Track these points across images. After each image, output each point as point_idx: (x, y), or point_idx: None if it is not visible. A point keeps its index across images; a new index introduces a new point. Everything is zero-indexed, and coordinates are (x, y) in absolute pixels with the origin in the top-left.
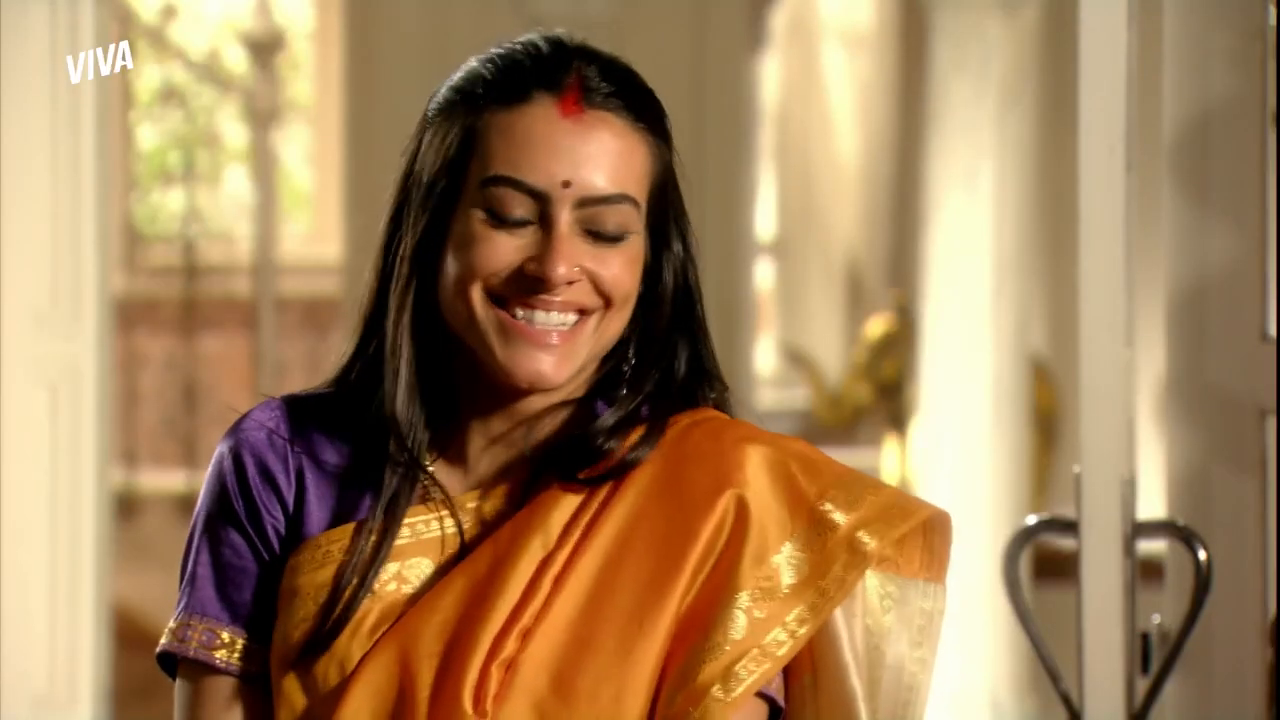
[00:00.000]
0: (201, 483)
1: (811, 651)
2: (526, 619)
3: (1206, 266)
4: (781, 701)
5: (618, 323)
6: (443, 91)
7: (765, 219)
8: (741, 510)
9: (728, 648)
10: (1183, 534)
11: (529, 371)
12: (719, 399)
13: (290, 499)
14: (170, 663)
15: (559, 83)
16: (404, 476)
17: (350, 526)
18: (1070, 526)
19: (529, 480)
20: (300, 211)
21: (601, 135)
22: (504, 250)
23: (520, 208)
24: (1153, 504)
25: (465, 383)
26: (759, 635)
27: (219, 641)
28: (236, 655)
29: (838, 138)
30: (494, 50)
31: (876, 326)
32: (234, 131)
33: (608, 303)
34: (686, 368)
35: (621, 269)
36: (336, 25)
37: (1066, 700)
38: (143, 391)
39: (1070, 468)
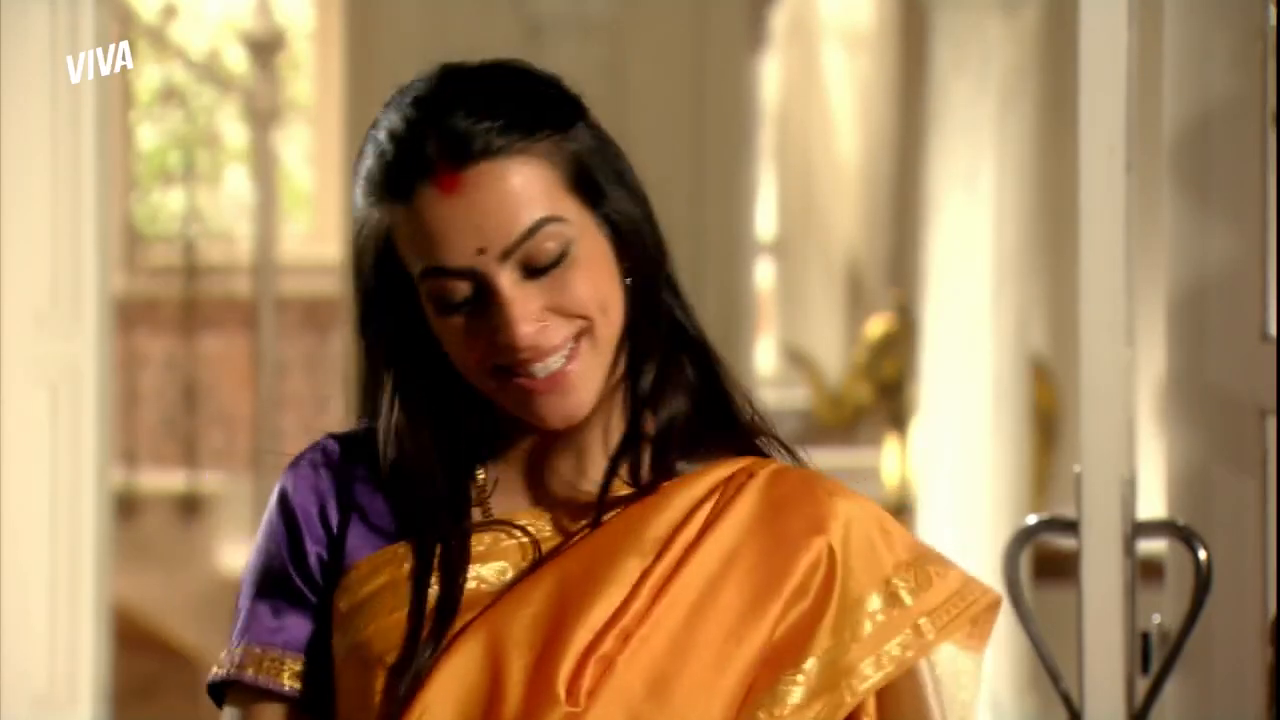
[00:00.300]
0: (201, 482)
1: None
2: (627, 620)
3: (1206, 266)
4: None
5: (611, 326)
6: (357, 181)
7: (765, 219)
8: (831, 558)
9: (804, 683)
10: (1183, 534)
11: (557, 417)
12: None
13: (337, 529)
14: (218, 692)
15: (429, 165)
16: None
17: (398, 548)
18: (1070, 526)
19: (601, 487)
20: (300, 211)
21: (487, 187)
22: (471, 342)
23: (458, 289)
24: (1153, 504)
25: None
26: (834, 680)
27: (274, 666)
28: (290, 677)
29: (838, 138)
30: (376, 134)
31: (876, 326)
32: (234, 131)
33: (589, 318)
34: (683, 338)
35: (581, 284)
36: (336, 25)
37: (1066, 700)
38: (143, 391)
39: (1070, 468)
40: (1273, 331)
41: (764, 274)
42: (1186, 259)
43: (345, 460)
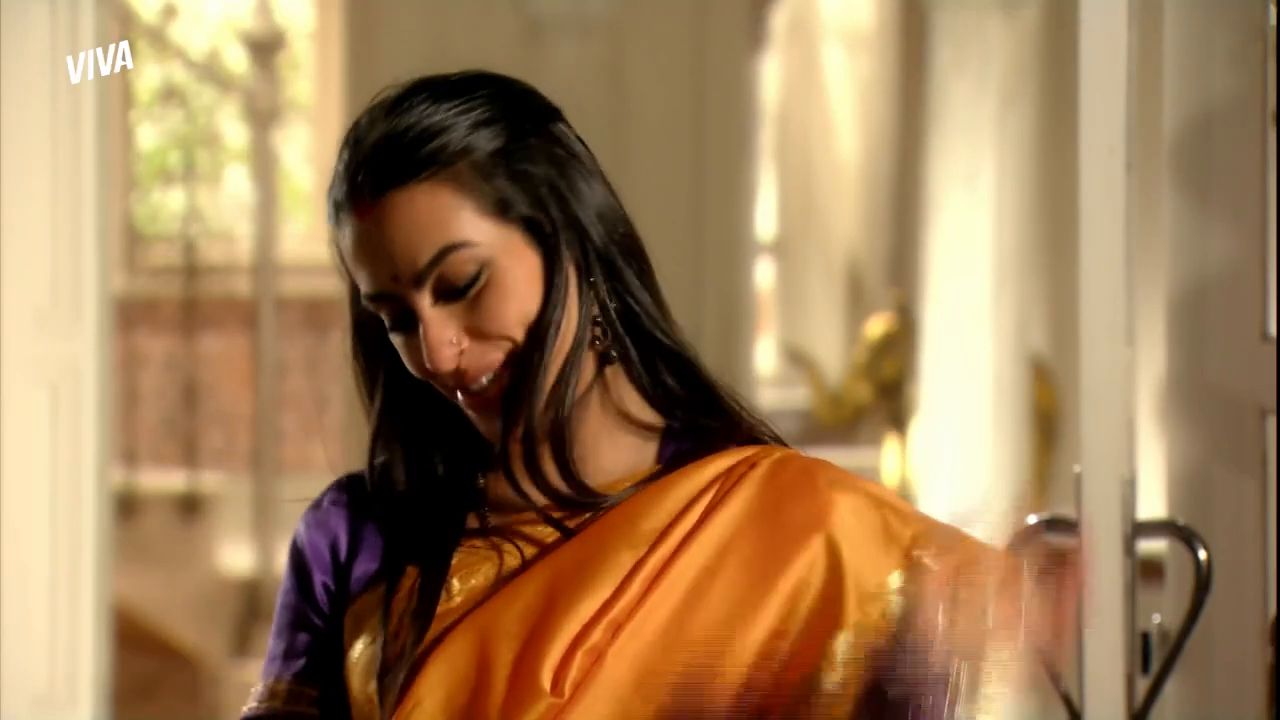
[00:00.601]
0: (201, 482)
1: None
2: (617, 612)
3: (1206, 266)
4: None
5: (548, 341)
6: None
7: (765, 219)
8: (833, 549)
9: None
10: (1183, 534)
11: (490, 434)
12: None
13: (345, 559)
14: None
15: (352, 193)
16: (448, 518)
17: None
18: (1070, 526)
19: (580, 485)
20: (300, 211)
21: (395, 216)
22: (416, 358)
23: (389, 311)
24: (1153, 504)
25: None
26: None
27: (295, 698)
28: (307, 704)
29: (838, 138)
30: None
31: (876, 326)
32: (234, 131)
33: (512, 339)
34: (652, 339)
35: (498, 306)
36: (336, 25)
37: (1066, 700)
38: (143, 391)
39: (1070, 468)
40: (1273, 331)
41: (764, 274)
42: (1186, 259)
43: (358, 495)
